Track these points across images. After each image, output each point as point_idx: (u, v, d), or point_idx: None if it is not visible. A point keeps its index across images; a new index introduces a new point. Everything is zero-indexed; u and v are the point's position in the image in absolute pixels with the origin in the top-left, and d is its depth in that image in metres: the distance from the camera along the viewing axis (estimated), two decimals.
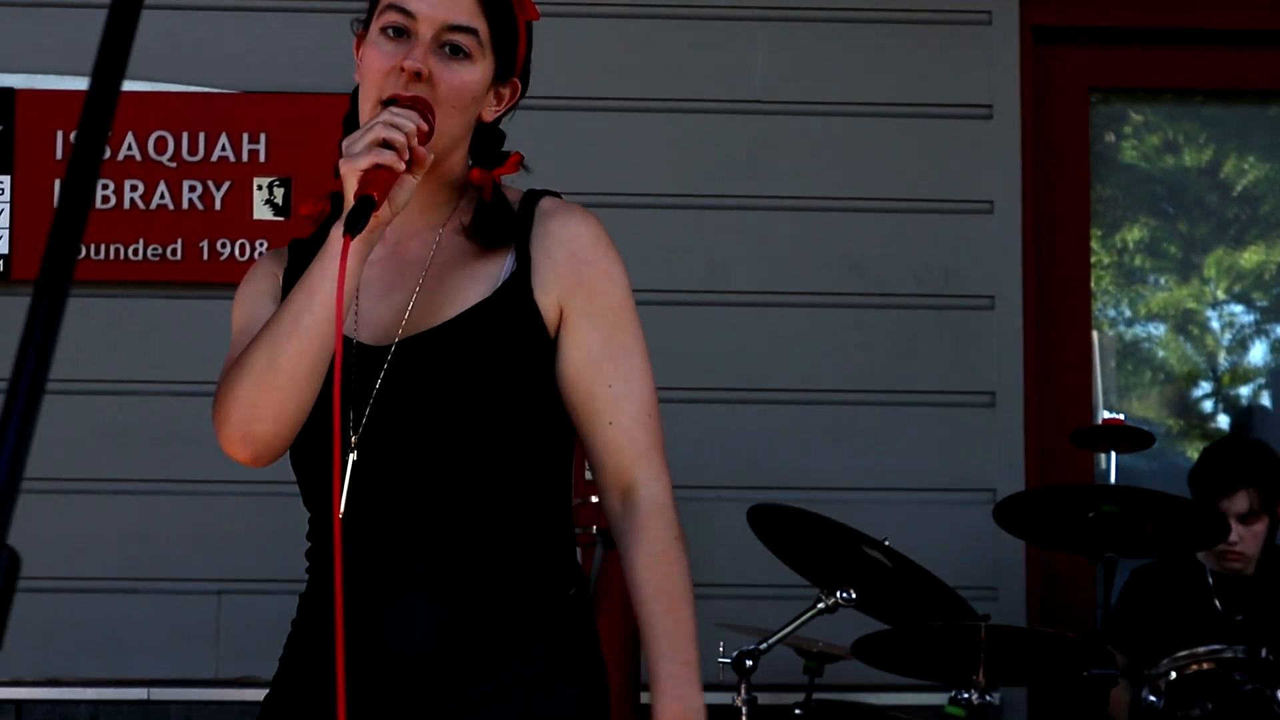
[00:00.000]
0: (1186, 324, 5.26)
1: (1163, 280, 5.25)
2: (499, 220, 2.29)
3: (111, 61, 1.39)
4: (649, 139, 4.63)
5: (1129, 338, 5.24)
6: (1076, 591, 4.72)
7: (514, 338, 2.24)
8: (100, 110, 1.32)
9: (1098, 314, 5.16)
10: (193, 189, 4.48)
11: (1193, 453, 5.01)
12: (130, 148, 4.48)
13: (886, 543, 3.81)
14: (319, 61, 4.56)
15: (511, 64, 2.31)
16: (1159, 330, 5.27)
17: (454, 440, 2.22)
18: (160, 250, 4.47)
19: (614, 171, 4.60)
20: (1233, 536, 4.31)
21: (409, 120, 2.12)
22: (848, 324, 4.60)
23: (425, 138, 2.15)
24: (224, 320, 4.45)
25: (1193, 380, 5.31)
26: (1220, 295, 5.23)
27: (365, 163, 2.09)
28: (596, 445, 2.30)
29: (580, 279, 2.28)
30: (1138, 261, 5.21)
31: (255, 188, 4.49)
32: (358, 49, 2.31)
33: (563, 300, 2.28)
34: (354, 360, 2.24)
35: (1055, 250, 4.84)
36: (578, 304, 2.28)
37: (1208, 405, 5.35)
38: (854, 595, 3.72)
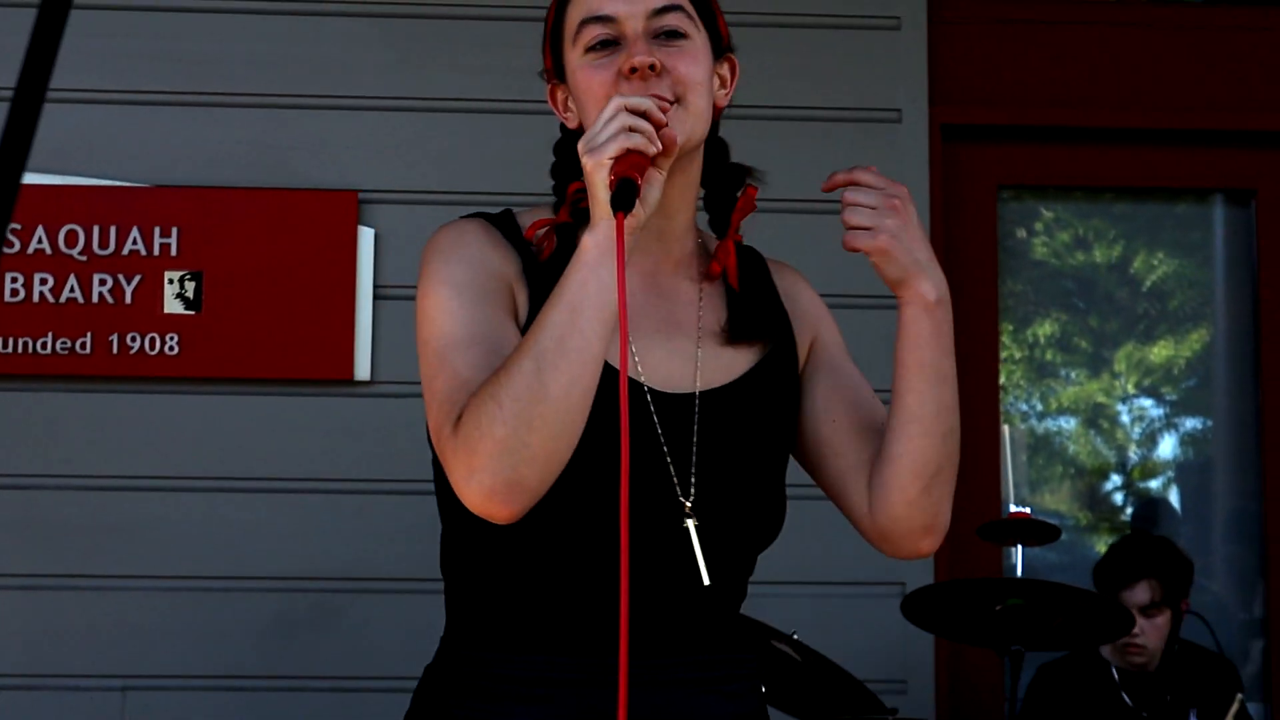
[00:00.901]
0: (1097, 418, 5.30)
1: (1073, 374, 5.30)
2: (759, 316, 2.21)
3: (13, 154, 1.36)
4: None
5: (1040, 431, 5.27)
6: (985, 684, 4.73)
7: (788, 396, 2.20)
8: (2, 203, 1.30)
9: (1009, 408, 5.19)
10: (103, 282, 4.46)
11: (1102, 546, 5.04)
12: (40, 240, 4.46)
13: (795, 636, 3.81)
14: (231, 155, 4.57)
15: (719, 37, 2.18)
16: (1069, 424, 5.31)
17: (771, 505, 2.15)
18: (69, 344, 4.44)
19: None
20: (1134, 629, 4.35)
21: (644, 100, 1.94)
22: None
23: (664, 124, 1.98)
24: (132, 414, 4.46)
25: (1103, 474, 5.35)
26: (1130, 389, 5.28)
27: (614, 149, 1.91)
28: (876, 419, 2.23)
29: (826, 322, 2.34)
30: (1048, 356, 5.25)
31: (166, 281, 4.48)
32: (553, 100, 2.19)
33: (816, 341, 2.30)
34: (647, 405, 2.07)
35: (963, 345, 4.86)
36: (829, 340, 2.31)
37: (1118, 498, 5.39)
38: (763, 689, 3.71)
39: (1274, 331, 5.01)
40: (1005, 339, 5.15)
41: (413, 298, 4.65)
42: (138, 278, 4.47)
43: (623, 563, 1.80)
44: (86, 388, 4.48)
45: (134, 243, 4.48)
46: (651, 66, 2.05)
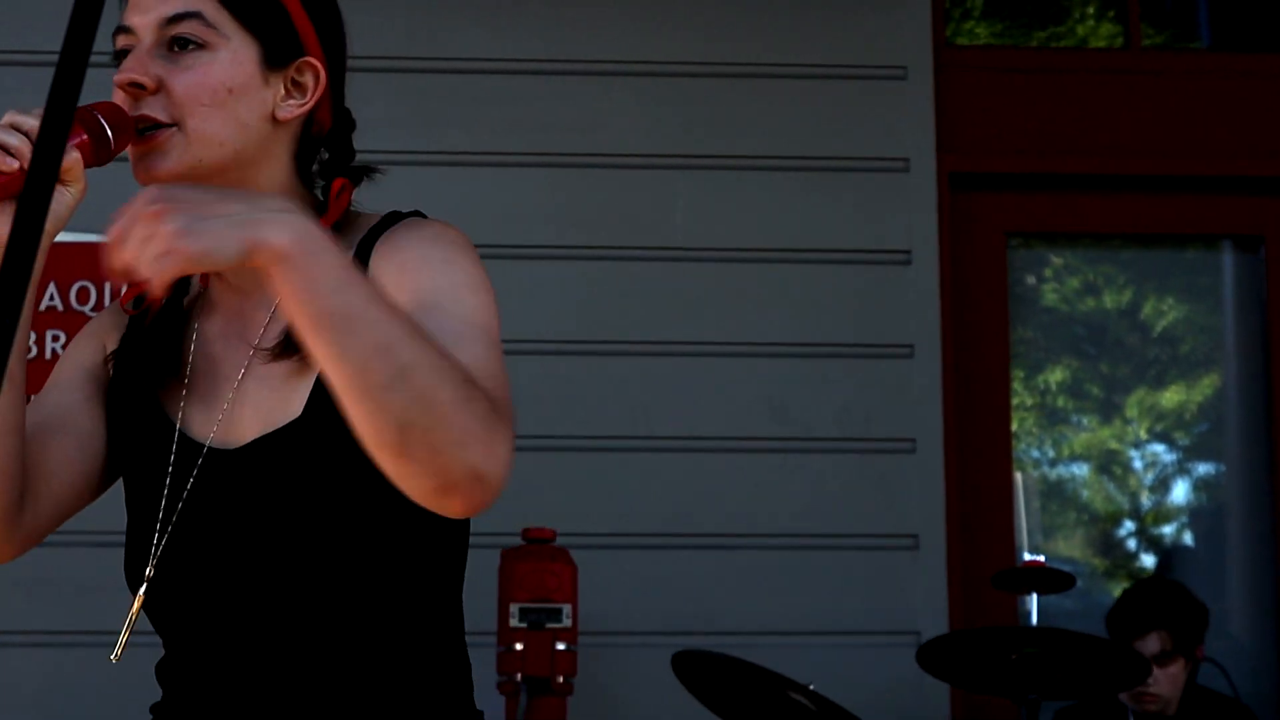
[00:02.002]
0: (1109, 464, 5.29)
1: (1085, 421, 5.29)
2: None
3: (31, 214, 1.33)
4: (571, 285, 4.66)
5: (1052, 478, 5.26)
6: None
7: (337, 453, 1.82)
8: (21, 262, 1.28)
9: (1021, 455, 5.19)
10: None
11: (1118, 592, 5.03)
12: (52, 298, 4.47)
13: (811, 687, 3.81)
14: None
15: (288, 42, 1.95)
16: (1082, 470, 5.30)
17: (277, 579, 1.90)
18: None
19: (535, 317, 4.62)
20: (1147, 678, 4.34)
21: (32, 118, 1.77)
22: (770, 468, 4.61)
23: (91, 144, 1.83)
24: None
25: (1116, 520, 5.34)
26: (1142, 435, 5.27)
27: None
28: None
29: (402, 271, 1.91)
30: (1060, 402, 5.25)
31: None
32: None
33: None
34: (173, 455, 1.95)
35: (975, 393, 4.88)
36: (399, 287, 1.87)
37: (1131, 544, 5.38)
38: None
39: None
40: (1016, 386, 5.15)
41: None
42: None
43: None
44: None
45: None
46: (141, 85, 1.88)
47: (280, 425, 1.88)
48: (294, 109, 1.95)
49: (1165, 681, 4.40)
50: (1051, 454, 5.29)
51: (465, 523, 2.00)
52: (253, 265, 1.61)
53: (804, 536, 4.59)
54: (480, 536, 4.53)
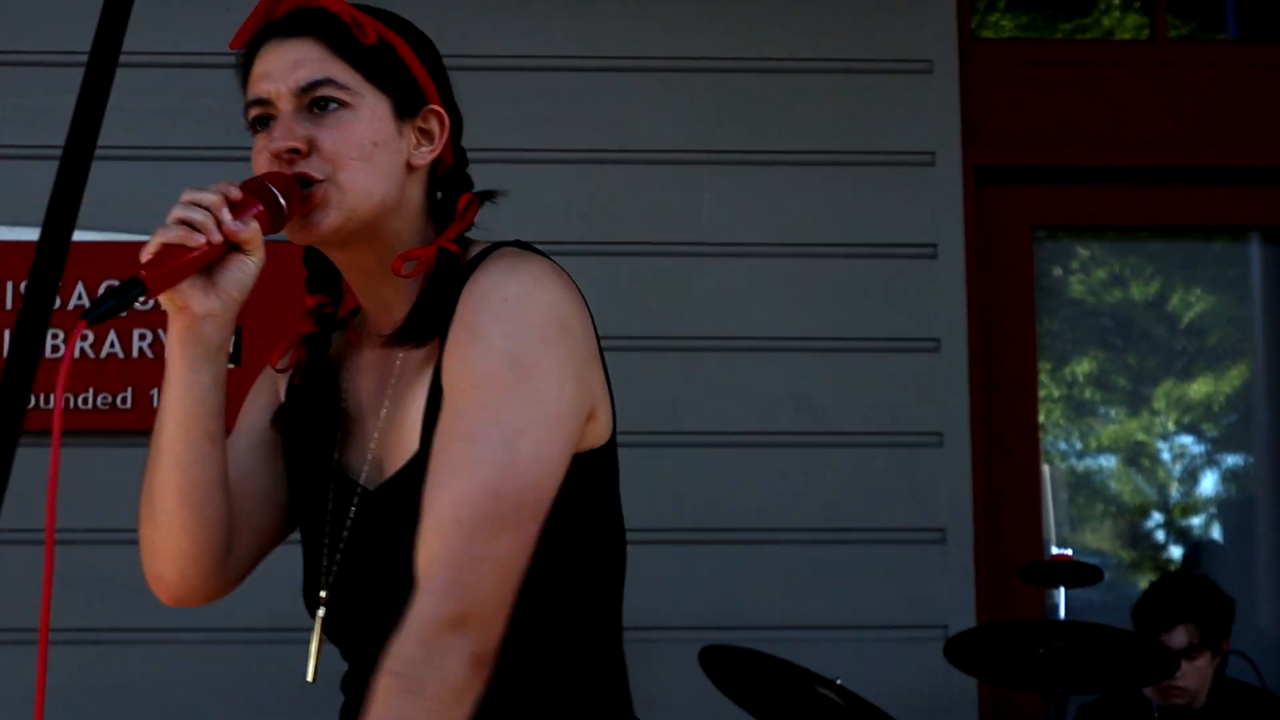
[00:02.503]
0: (1137, 456, 5.29)
1: (1112, 413, 5.29)
2: (426, 319, 2.00)
3: (62, 211, 1.37)
4: (602, 281, 4.67)
5: (1080, 470, 5.27)
6: None
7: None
8: (51, 260, 1.31)
9: (1048, 447, 5.19)
10: (143, 337, 4.49)
11: (1145, 584, 5.03)
12: (80, 297, 4.49)
13: (839, 682, 3.81)
14: None
15: (413, 94, 2.08)
16: (1110, 463, 5.30)
17: (388, 608, 1.92)
18: (110, 399, 4.47)
19: None
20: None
21: (210, 193, 1.91)
22: (797, 463, 4.62)
23: (267, 213, 1.94)
24: None
25: (1144, 512, 5.34)
26: (1170, 427, 5.27)
27: (152, 247, 1.88)
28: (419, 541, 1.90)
29: (453, 347, 1.95)
30: (1087, 394, 5.25)
31: None
32: None
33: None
34: (349, 499, 2.05)
35: (1002, 386, 4.88)
36: (447, 380, 1.95)
37: (1160, 536, 5.38)
38: None
39: None
40: (1044, 378, 5.15)
41: None
42: None
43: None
44: (127, 443, 4.50)
45: None
46: (297, 150, 1.99)
47: (404, 463, 1.98)
48: (426, 155, 2.09)
49: (1192, 675, 4.40)
50: (1079, 446, 5.29)
51: (619, 538, 2.10)
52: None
53: (831, 531, 4.60)
54: None
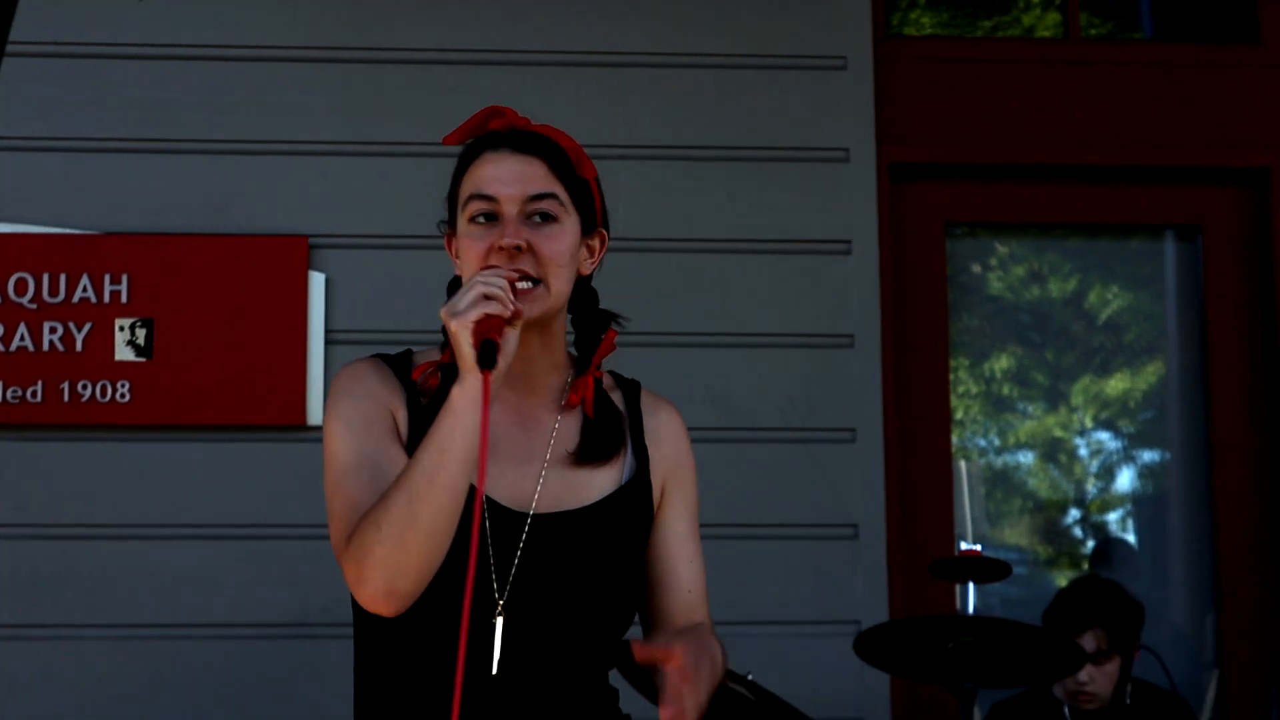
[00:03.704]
0: (1054, 452, 5.32)
1: (1030, 409, 5.31)
2: (606, 441, 2.52)
3: None
4: None
5: (998, 466, 5.29)
6: None
7: (638, 527, 2.51)
8: None
9: (966, 443, 5.21)
10: (53, 330, 4.46)
11: (1063, 580, 5.06)
12: None
13: (750, 677, 3.81)
14: (181, 202, 4.57)
15: (592, 216, 2.53)
16: (1027, 458, 5.33)
17: (591, 617, 2.42)
18: (20, 392, 4.44)
19: None
20: (1083, 676, 4.36)
21: (498, 276, 2.29)
22: (710, 457, 4.57)
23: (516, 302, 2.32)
24: (83, 462, 4.45)
25: (1061, 507, 5.37)
26: (1087, 423, 5.30)
27: (475, 315, 2.25)
28: (671, 606, 2.55)
29: (679, 473, 2.61)
30: (1005, 390, 5.27)
31: (117, 329, 4.48)
32: (449, 246, 2.51)
33: (666, 488, 2.57)
34: (489, 518, 2.40)
35: (916, 382, 4.90)
36: (675, 495, 2.59)
37: (1077, 532, 5.41)
38: None
39: (1222, 364, 5.04)
40: (962, 374, 5.18)
41: (364, 341, 4.67)
42: (88, 325, 4.47)
43: (462, 638, 2.18)
44: (38, 436, 4.48)
45: (84, 290, 4.48)
46: (519, 247, 2.40)
47: (586, 504, 2.48)
48: (589, 266, 2.56)
49: (1101, 680, 4.43)
50: (997, 442, 5.31)
51: None
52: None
53: (744, 526, 4.60)
54: None
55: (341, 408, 2.45)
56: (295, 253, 4.54)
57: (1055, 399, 5.30)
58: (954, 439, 5.12)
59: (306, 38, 4.69)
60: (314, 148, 4.64)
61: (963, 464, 5.09)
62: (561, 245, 2.45)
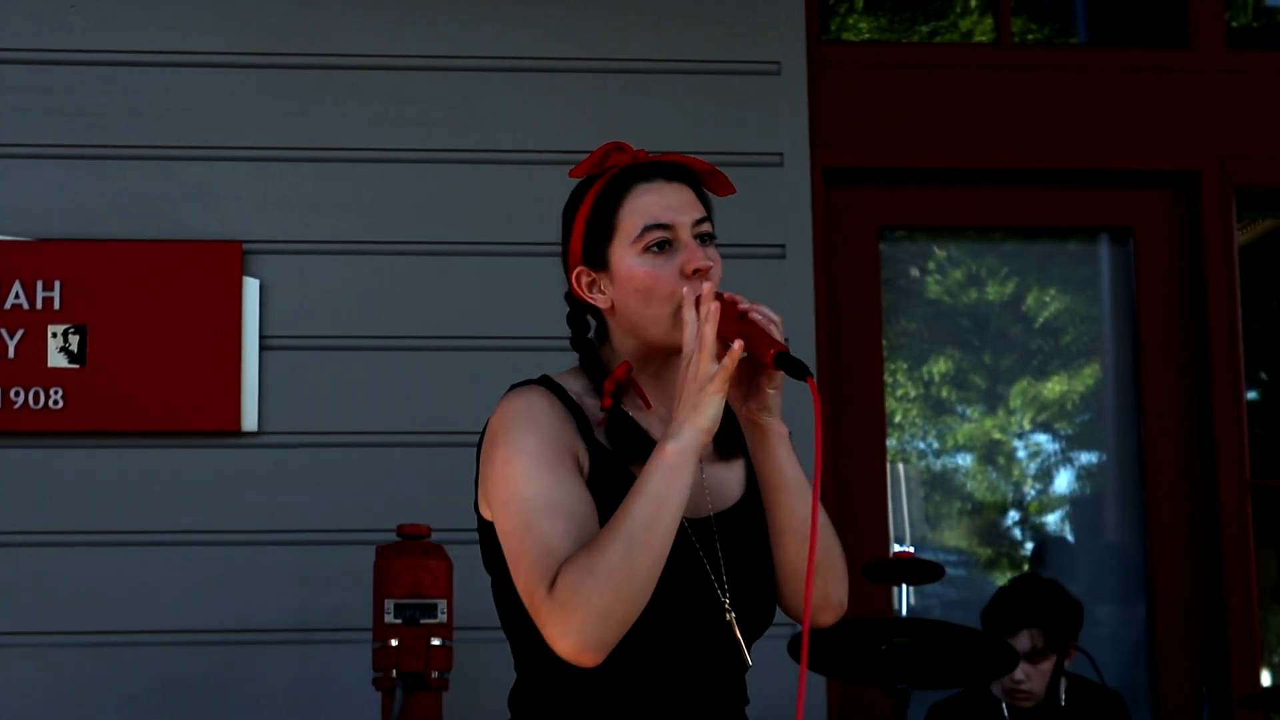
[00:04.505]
0: (993, 454, 5.34)
1: (969, 411, 5.34)
2: (732, 430, 2.53)
3: None
4: (458, 282, 4.66)
5: (937, 468, 5.31)
6: None
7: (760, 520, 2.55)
8: None
9: (905, 445, 5.23)
10: None
11: (1003, 581, 5.08)
12: None
13: None
14: (114, 208, 4.56)
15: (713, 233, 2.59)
16: (966, 461, 5.35)
17: (771, 602, 2.53)
18: None
19: (413, 314, 4.63)
20: (1019, 674, 4.38)
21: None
22: None
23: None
24: (16, 469, 4.43)
25: (1000, 509, 5.39)
26: (1025, 425, 5.32)
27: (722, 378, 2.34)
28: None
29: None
30: (944, 393, 5.29)
31: (50, 335, 4.46)
32: (578, 281, 2.52)
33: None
34: (687, 533, 2.43)
35: (850, 385, 4.92)
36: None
37: (1015, 533, 5.43)
38: None
39: (1153, 367, 5.07)
40: (900, 377, 5.20)
41: (299, 347, 4.65)
42: (21, 332, 4.45)
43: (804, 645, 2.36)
44: None
45: (16, 296, 4.46)
46: (708, 271, 2.48)
47: (735, 501, 2.52)
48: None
49: (1036, 678, 4.45)
50: (936, 445, 5.33)
51: None
52: (764, 429, 2.44)
53: None
54: (355, 533, 4.55)
55: (522, 441, 2.40)
56: (229, 259, 4.53)
57: (993, 401, 5.32)
58: (893, 442, 5.14)
59: (241, 44, 4.68)
60: (247, 154, 4.63)
61: (901, 467, 5.11)
62: (719, 265, 2.53)
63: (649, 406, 2.52)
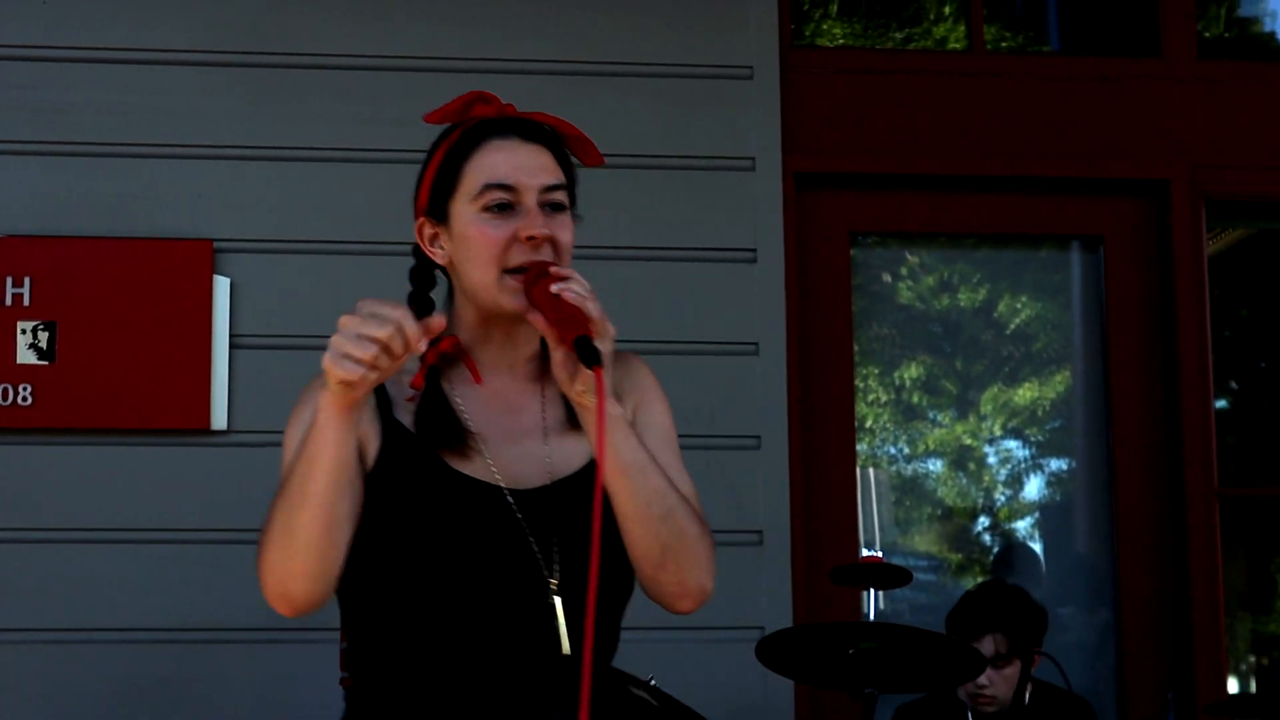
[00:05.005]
0: (964, 460, 5.35)
1: (940, 417, 5.35)
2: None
3: None
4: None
5: (907, 474, 5.31)
6: None
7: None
8: None
9: (876, 450, 5.24)
10: None
11: (972, 586, 5.09)
12: None
13: (652, 682, 3.82)
14: (84, 205, 4.55)
15: (574, 203, 2.51)
16: (936, 466, 5.36)
17: (621, 576, 2.41)
18: None
19: None
20: (982, 680, 4.39)
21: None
22: None
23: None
24: None
25: (971, 515, 5.41)
26: (996, 431, 5.34)
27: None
28: None
29: (646, 407, 2.53)
30: (915, 399, 5.30)
31: (19, 331, 4.45)
32: (420, 233, 2.48)
33: (636, 421, 2.47)
34: (510, 505, 2.38)
35: (820, 390, 4.92)
36: (644, 420, 2.50)
37: (986, 539, 5.44)
38: None
39: (1122, 375, 5.09)
40: (871, 382, 5.20)
41: (269, 346, 4.65)
42: None
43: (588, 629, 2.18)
44: None
45: None
46: (545, 238, 2.39)
47: (580, 467, 2.46)
48: None
49: (1000, 684, 4.47)
50: (906, 450, 5.34)
51: None
52: (588, 409, 2.29)
53: None
54: None
55: (293, 436, 2.42)
56: (199, 257, 4.52)
57: (964, 407, 5.33)
58: (864, 446, 5.15)
59: (210, 41, 4.67)
60: (218, 151, 4.63)
61: (872, 471, 5.12)
62: (571, 234, 2.45)
63: (479, 380, 2.46)
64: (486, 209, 2.41)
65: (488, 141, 2.47)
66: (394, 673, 2.40)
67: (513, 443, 2.45)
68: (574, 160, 2.53)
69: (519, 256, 2.38)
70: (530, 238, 2.39)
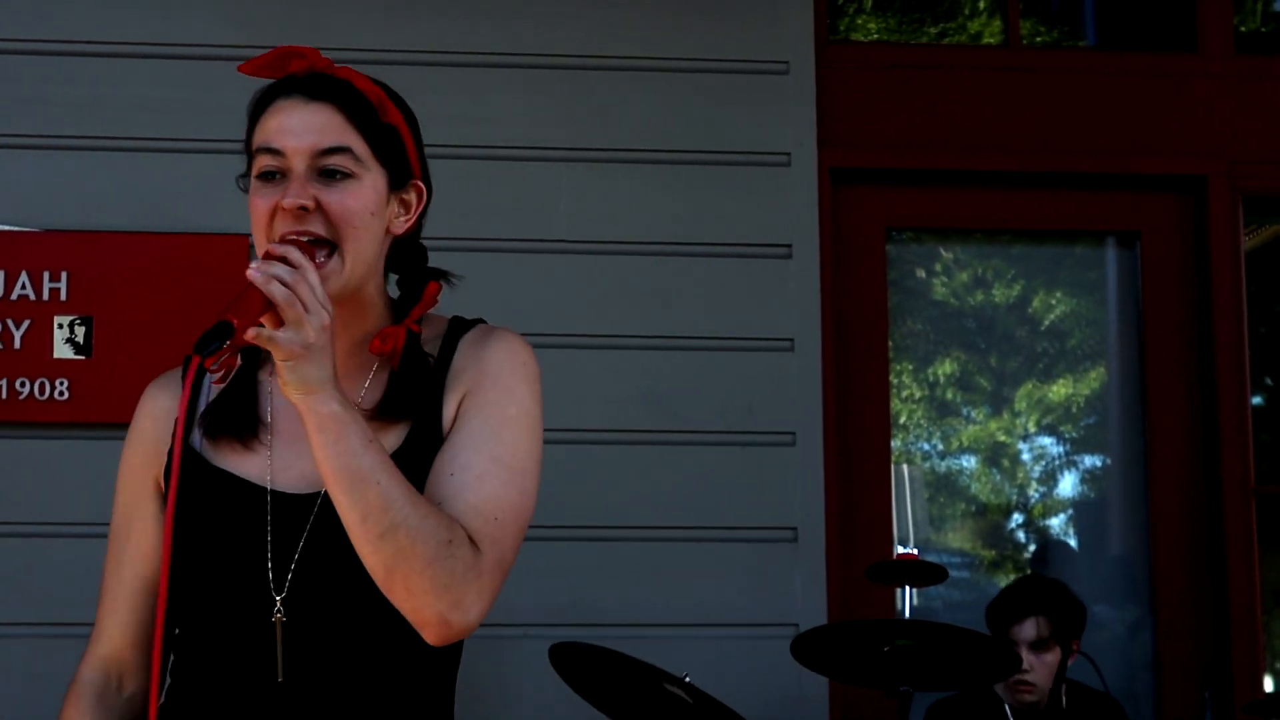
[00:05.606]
0: (998, 456, 5.34)
1: (974, 413, 5.33)
2: (408, 394, 2.20)
3: None
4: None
5: (941, 470, 5.30)
6: None
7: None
8: None
9: (909, 447, 5.23)
10: None
11: (1005, 583, 5.07)
12: None
13: (687, 679, 3.82)
14: (121, 199, 4.56)
15: (405, 168, 2.27)
16: (970, 463, 5.34)
17: (385, 609, 2.10)
18: None
19: None
20: (1024, 665, 4.37)
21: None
22: (651, 460, 4.63)
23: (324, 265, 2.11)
24: (21, 460, 4.43)
25: (1004, 512, 5.39)
26: (1030, 428, 5.32)
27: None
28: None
29: (477, 390, 2.22)
30: (949, 395, 5.29)
31: (56, 326, 4.46)
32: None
33: (461, 410, 2.21)
34: (269, 509, 2.17)
35: (855, 386, 4.91)
36: (468, 406, 2.21)
37: (1020, 536, 5.43)
38: None
39: (1159, 371, 5.07)
40: (906, 378, 5.19)
41: None
42: (27, 322, 4.45)
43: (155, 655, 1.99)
44: None
45: (23, 287, 4.46)
46: (304, 207, 2.13)
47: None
48: (403, 224, 2.27)
49: (1041, 670, 4.45)
50: (940, 446, 5.33)
51: None
52: (301, 410, 2.02)
53: (684, 529, 4.61)
54: None
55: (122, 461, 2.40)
56: (235, 251, 4.53)
57: (998, 404, 5.32)
58: (898, 443, 5.14)
59: (248, 37, 4.68)
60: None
61: (906, 468, 5.11)
62: (357, 203, 2.16)
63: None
64: (259, 176, 2.18)
65: (274, 102, 2.22)
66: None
67: (305, 439, 2.11)
68: (400, 119, 2.29)
69: (282, 227, 2.12)
70: (284, 208, 2.12)
